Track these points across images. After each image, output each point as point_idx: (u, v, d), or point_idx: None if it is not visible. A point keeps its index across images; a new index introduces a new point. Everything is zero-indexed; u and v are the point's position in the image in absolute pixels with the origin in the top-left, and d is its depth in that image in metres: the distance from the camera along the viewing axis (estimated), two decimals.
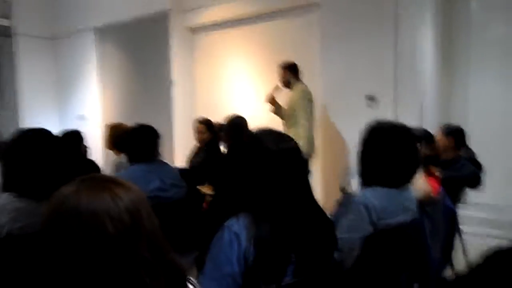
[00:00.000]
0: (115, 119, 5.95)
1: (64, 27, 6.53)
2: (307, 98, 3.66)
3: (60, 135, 3.08)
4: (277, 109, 3.87)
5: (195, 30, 5.22)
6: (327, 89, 4.06)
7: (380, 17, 3.73)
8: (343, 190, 3.81)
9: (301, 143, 3.31)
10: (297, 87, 3.72)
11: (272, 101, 3.87)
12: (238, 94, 4.96)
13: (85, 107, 6.45)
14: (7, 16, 6.26)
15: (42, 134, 1.78)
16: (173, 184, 2.39)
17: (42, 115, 6.59)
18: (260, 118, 4.64)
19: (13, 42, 6.30)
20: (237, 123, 3.11)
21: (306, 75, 4.32)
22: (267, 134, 1.31)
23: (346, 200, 2.13)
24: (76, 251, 0.64)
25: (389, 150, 1.53)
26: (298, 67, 3.81)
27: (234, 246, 1.17)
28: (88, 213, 0.64)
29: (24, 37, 6.40)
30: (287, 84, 3.78)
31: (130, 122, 5.53)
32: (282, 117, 3.83)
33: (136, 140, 2.39)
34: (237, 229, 1.19)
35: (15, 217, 1.60)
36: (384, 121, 1.65)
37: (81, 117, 6.44)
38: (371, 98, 3.80)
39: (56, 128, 6.73)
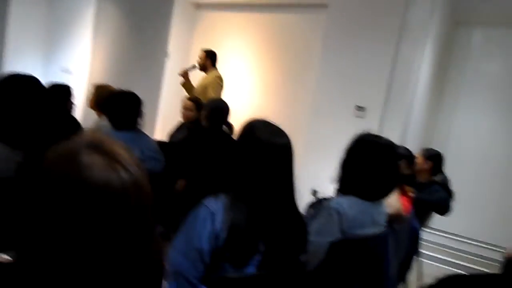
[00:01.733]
0: (101, 80, 5.82)
1: None
2: (218, 82, 4.16)
3: (49, 86, 2.96)
4: (187, 84, 4.29)
5: (200, 6, 5.14)
6: (320, 89, 4.07)
7: (385, 30, 3.75)
8: (314, 193, 3.87)
9: None
10: (212, 72, 4.22)
11: (186, 76, 4.30)
12: (231, 78, 4.91)
13: (72, 62, 6.28)
14: None
15: (30, 81, 1.74)
16: (151, 156, 2.37)
17: (26, 61, 6.40)
18: (251, 104, 4.64)
19: None
20: (219, 107, 3.07)
21: (302, 72, 4.33)
22: (264, 125, 1.32)
23: (318, 204, 2.15)
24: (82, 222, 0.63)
25: (371, 163, 1.55)
26: (217, 56, 4.27)
27: (207, 224, 1.18)
28: (103, 186, 0.64)
29: None
30: (203, 67, 4.25)
31: (116, 85, 5.46)
32: (189, 92, 4.23)
33: (119, 106, 2.35)
34: (214, 208, 1.20)
35: None
36: (371, 134, 1.66)
37: (66, 71, 6.28)
38: (360, 108, 3.84)
39: (39, 77, 6.55)
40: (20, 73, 1.74)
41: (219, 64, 4.98)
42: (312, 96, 4.11)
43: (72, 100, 3.34)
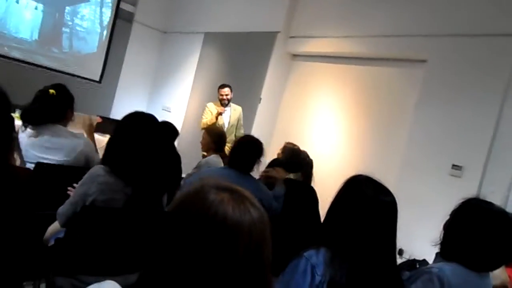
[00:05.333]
0: (196, 118, 6.26)
1: (178, 25, 7.07)
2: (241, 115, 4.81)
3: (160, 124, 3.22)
4: (215, 123, 4.57)
5: (295, 57, 5.37)
6: (413, 145, 3.95)
7: (488, 88, 3.57)
8: (400, 252, 3.68)
9: None
10: (235, 106, 4.75)
11: (218, 117, 4.63)
12: (318, 127, 4.97)
13: (172, 101, 6.85)
14: (133, 3, 6.92)
15: (149, 120, 1.87)
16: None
17: (133, 99, 7.15)
18: (339, 155, 4.64)
19: (131, 27, 6.93)
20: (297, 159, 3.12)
21: (394, 126, 4.26)
22: (370, 181, 1.34)
23: (411, 265, 2.06)
24: (205, 257, 0.66)
25: (483, 231, 1.46)
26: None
27: (307, 277, 1.19)
28: (234, 223, 0.67)
29: (140, 25, 7.03)
30: (228, 102, 4.66)
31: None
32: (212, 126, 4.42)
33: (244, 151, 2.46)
34: (315, 261, 1.21)
35: (102, 190, 1.70)
36: (481, 199, 1.59)
37: (166, 109, 6.88)
38: (457, 167, 3.64)
39: (142, 110, 7.23)
40: (141, 112, 1.89)
41: (309, 113, 5.09)
42: (403, 151, 4.00)
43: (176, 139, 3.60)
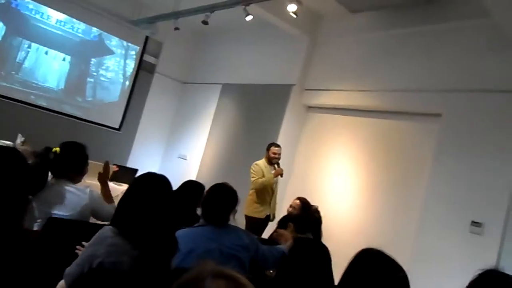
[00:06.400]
0: (212, 166, 6.33)
1: (197, 76, 7.34)
2: None
3: (185, 183, 3.04)
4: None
5: (310, 108, 5.46)
6: (430, 200, 3.87)
7: (506, 143, 3.55)
8: None
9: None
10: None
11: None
12: (333, 180, 4.94)
13: (189, 149, 6.96)
14: (156, 56, 7.26)
15: (161, 182, 1.84)
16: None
17: (151, 146, 7.31)
18: (352, 209, 4.56)
19: (152, 78, 7.23)
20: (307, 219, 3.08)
21: (409, 180, 4.21)
22: (380, 256, 1.32)
23: None
24: None
25: None
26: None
27: None
28: None
29: (161, 76, 7.32)
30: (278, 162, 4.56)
31: (223, 173, 5.83)
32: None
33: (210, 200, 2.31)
34: None
35: (110, 252, 1.68)
36: (499, 271, 1.51)
37: (183, 156, 6.98)
38: (477, 224, 3.54)
39: (158, 159, 7.36)
40: (153, 173, 1.86)
41: (323, 165, 5.09)
42: (419, 207, 3.92)
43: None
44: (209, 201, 2.27)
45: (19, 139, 3.25)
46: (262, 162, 4.55)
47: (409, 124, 4.40)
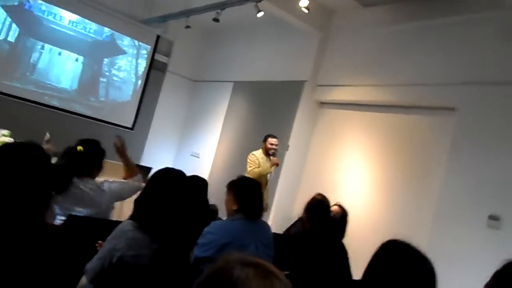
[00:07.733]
0: (225, 163, 6.33)
1: (208, 74, 7.35)
2: None
3: (189, 177, 3.08)
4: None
5: (323, 104, 5.42)
6: (446, 195, 3.82)
7: None
8: None
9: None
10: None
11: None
12: (346, 176, 4.90)
13: (201, 147, 6.98)
14: (167, 55, 7.30)
15: (178, 177, 1.88)
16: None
17: (163, 144, 7.35)
18: (365, 205, 4.52)
19: (164, 77, 7.27)
20: (320, 204, 3.06)
21: (424, 175, 4.15)
22: (406, 247, 1.30)
23: None
24: None
25: None
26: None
27: None
28: None
29: (173, 74, 7.36)
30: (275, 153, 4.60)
31: (236, 171, 5.83)
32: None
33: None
34: None
35: (130, 245, 1.72)
36: None
37: (195, 155, 7.00)
38: (494, 218, 3.48)
39: (171, 157, 7.40)
40: (171, 168, 1.90)
41: (336, 161, 5.05)
42: (435, 201, 3.87)
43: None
44: (248, 195, 2.30)
45: (46, 137, 3.33)
46: (258, 153, 4.68)
47: (423, 119, 4.34)
